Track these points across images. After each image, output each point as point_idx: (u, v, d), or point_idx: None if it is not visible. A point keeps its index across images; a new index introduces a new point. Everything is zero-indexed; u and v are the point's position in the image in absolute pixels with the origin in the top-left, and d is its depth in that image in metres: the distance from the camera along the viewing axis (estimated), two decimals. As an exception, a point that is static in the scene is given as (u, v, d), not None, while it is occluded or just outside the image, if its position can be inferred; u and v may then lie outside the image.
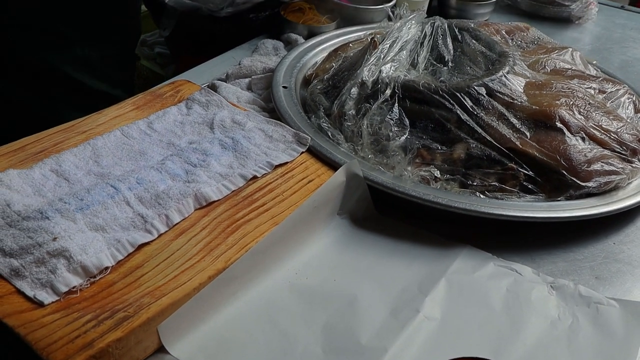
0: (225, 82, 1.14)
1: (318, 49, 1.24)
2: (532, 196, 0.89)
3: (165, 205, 0.77)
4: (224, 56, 1.27)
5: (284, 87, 1.08)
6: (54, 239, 0.70)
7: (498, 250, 0.84)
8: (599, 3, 1.63)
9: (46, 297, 0.65)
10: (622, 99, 1.05)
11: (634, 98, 1.07)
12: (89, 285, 0.68)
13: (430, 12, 1.49)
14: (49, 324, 0.63)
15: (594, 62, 1.27)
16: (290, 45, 1.29)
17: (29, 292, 0.66)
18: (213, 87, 1.08)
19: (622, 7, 1.73)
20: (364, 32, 1.30)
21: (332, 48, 1.24)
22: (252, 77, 1.15)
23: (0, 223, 0.73)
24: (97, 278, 0.68)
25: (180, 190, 0.79)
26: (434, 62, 1.07)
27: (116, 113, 0.97)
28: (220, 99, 1.01)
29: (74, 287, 0.67)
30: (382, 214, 0.89)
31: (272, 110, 1.05)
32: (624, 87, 1.09)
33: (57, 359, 0.59)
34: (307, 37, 1.29)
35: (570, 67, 1.10)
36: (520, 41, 1.22)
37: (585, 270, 0.84)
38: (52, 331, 0.62)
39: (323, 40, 1.26)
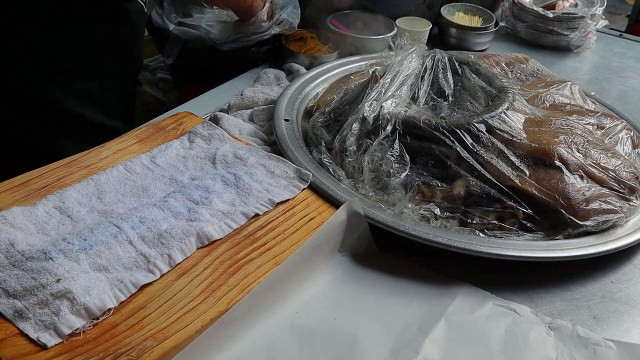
0: (227, 113, 1.16)
1: (320, 80, 1.25)
2: (531, 234, 0.90)
3: (168, 244, 0.78)
4: (226, 85, 1.28)
5: (285, 120, 1.09)
6: (58, 280, 0.70)
7: (497, 288, 0.85)
8: (597, 32, 1.65)
9: (49, 339, 0.66)
10: (620, 135, 1.06)
11: (632, 133, 1.08)
12: (92, 327, 0.68)
13: (431, 41, 1.50)
14: (52, 368, 0.63)
15: (593, 93, 1.29)
16: (292, 74, 1.31)
17: (33, 335, 0.66)
18: (215, 119, 1.09)
19: (620, 36, 1.75)
20: (366, 62, 1.31)
21: (334, 79, 1.25)
22: (254, 108, 1.16)
23: (4, 263, 0.73)
24: (100, 319, 0.69)
25: (183, 229, 0.80)
26: (435, 97, 1.08)
27: (119, 147, 0.98)
28: (222, 132, 1.02)
29: (77, 330, 0.67)
30: (382, 251, 0.89)
31: (273, 143, 1.06)
32: (622, 122, 1.10)
33: (60, 405, 0.60)
34: (309, 66, 1.31)
35: (569, 102, 1.11)
36: (520, 73, 1.23)
37: (583, 309, 0.84)
38: (55, 376, 0.62)
39: (325, 70, 1.28)
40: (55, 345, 0.66)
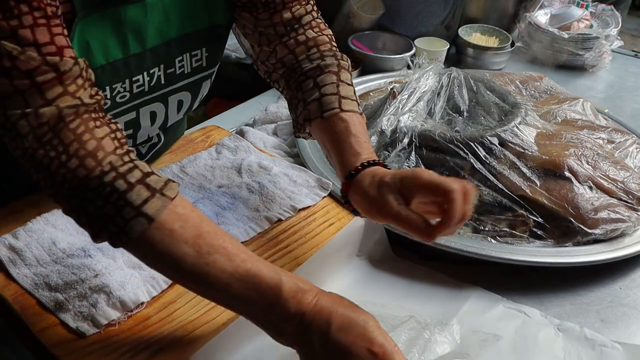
0: (252, 127, 1.22)
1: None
2: (541, 242, 0.93)
3: (197, 245, 0.83)
4: (251, 102, 1.35)
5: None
6: (96, 276, 0.76)
7: (508, 292, 0.89)
8: (612, 52, 1.69)
9: (88, 329, 0.71)
10: (630, 149, 1.10)
11: (642, 147, 1.12)
12: (126, 319, 0.74)
13: (449, 61, 1.55)
14: (90, 354, 0.69)
15: (606, 110, 1.32)
16: (314, 91, 1.36)
17: (72, 324, 0.72)
18: (241, 133, 1.16)
19: (636, 55, 1.78)
20: (385, 79, 1.36)
21: (354, 96, 1.30)
22: (278, 123, 1.22)
23: (47, 260, 0.79)
24: (134, 312, 0.75)
25: (211, 231, 0.85)
26: (450, 112, 1.13)
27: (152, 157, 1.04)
28: (248, 144, 1.08)
29: (112, 321, 0.73)
30: (398, 256, 0.94)
31: (296, 155, 1.11)
32: (632, 137, 1.13)
33: (96, 388, 0.65)
34: (330, 84, 1.36)
35: (580, 117, 1.15)
36: (534, 91, 1.28)
37: (592, 313, 0.88)
38: (93, 361, 0.68)
39: (345, 87, 1.33)
40: (93, 334, 0.71)
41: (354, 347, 0.63)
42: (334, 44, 0.91)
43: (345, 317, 0.64)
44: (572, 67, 1.64)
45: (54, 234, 0.83)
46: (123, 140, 0.68)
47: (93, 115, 0.67)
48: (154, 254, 0.65)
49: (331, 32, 0.92)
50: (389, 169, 0.79)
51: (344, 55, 0.90)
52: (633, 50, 1.83)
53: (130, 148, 0.68)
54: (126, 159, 0.66)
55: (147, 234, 0.64)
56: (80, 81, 0.66)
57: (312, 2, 0.90)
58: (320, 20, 0.91)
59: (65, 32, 0.66)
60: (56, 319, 0.73)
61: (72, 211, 0.66)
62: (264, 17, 0.87)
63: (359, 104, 0.87)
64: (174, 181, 0.67)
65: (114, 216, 0.63)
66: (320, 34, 0.90)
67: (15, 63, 0.61)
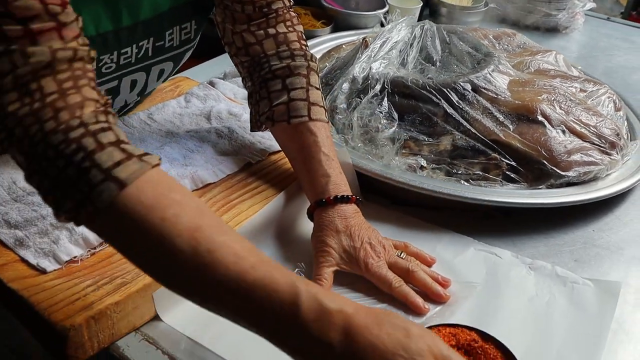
0: (223, 80, 1.19)
1: (312, 51, 1.28)
2: (515, 185, 0.93)
3: (163, 185, 0.81)
4: (222, 57, 1.32)
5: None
6: (57, 213, 0.73)
7: (480, 235, 0.88)
8: (585, 15, 1.69)
9: (48, 265, 0.69)
10: (603, 98, 1.10)
11: (614, 97, 1.12)
12: (89, 256, 0.72)
13: (421, 19, 1.53)
14: (50, 288, 0.67)
15: (579, 67, 1.32)
16: (286, 48, 1.34)
17: (33, 261, 0.70)
18: (211, 84, 1.13)
19: (608, 19, 1.79)
20: (357, 36, 1.34)
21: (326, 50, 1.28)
22: (249, 75, 1.19)
23: (6, 198, 0.77)
24: (97, 249, 0.72)
25: (178, 172, 0.83)
26: (423, 62, 1.11)
27: (117, 105, 1.01)
28: (218, 93, 1.06)
29: (75, 257, 0.70)
30: (368, 201, 0.92)
31: (267, 106, 1.09)
32: (604, 87, 1.13)
33: (57, 319, 0.63)
34: (303, 40, 1.34)
35: (553, 67, 1.14)
36: (507, 45, 1.27)
37: (565, 254, 0.87)
38: (53, 294, 0.66)
39: (317, 43, 1.31)
40: (54, 270, 0.69)
41: None
42: (304, 42, 0.88)
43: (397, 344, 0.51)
44: (545, 29, 1.64)
45: (14, 175, 0.80)
46: (109, 108, 0.59)
47: (89, 74, 0.59)
48: (127, 234, 0.54)
49: (302, 29, 0.89)
50: (362, 201, 0.81)
51: (314, 56, 0.89)
52: (605, 14, 1.83)
53: (112, 111, 0.60)
54: (101, 118, 0.56)
55: (118, 205, 0.52)
56: (81, 40, 0.58)
57: None
58: (293, 14, 0.88)
59: None
60: (16, 255, 0.70)
61: (32, 175, 0.57)
62: None
63: (326, 111, 0.86)
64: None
65: (78, 180, 0.53)
66: (291, 29, 0.86)
67: (8, 8, 0.53)
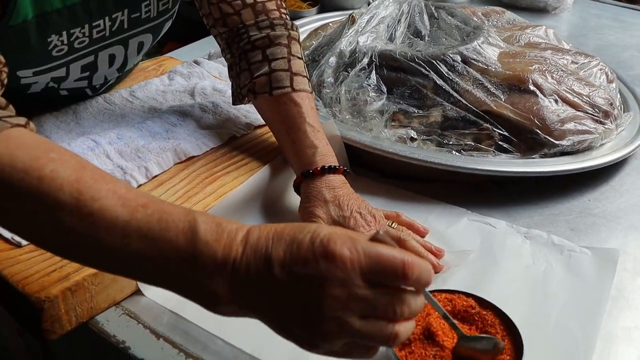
0: (208, 60, 1.16)
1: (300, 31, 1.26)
2: (508, 155, 0.90)
3: (145, 158, 0.78)
4: (207, 39, 1.29)
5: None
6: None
7: (474, 206, 0.86)
8: (574, -5, 1.67)
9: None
10: (595, 70, 1.07)
11: (606, 69, 1.10)
12: (67, 229, 0.68)
13: (410, 2, 1.51)
14: (25, 260, 0.64)
15: (570, 45, 1.30)
16: (272, 29, 1.31)
17: (7, 235, 0.66)
18: (196, 63, 1.10)
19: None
20: (344, 17, 1.32)
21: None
22: (234, 55, 1.16)
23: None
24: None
25: (160, 145, 0.80)
26: (411, 37, 1.09)
27: (98, 83, 0.98)
28: (202, 70, 1.03)
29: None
30: (357, 174, 0.90)
31: (252, 84, 1.06)
32: (596, 59, 1.11)
33: (32, 290, 0.60)
34: (289, 22, 1.31)
35: (544, 41, 1.12)
36: (496, 22, 1.25)
37: (561, 223, 0.85)
38: (28, 266, 0.63)
39: (304, 23, 1.29)
40: (29, 244, 0.66)
41: (314, 267, 0.45)
42: (284, 10, 0.85)
43: (291, 238, 0.46)
44: (535, 9, 1.62)
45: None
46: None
47: None
48: (7, 205, 0.48)
49: None
50: (349, 172, 0.79)
51: (294, 24, 0.86)
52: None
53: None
54: None
55: None
56: None
57: None
58: None
59: None
60: (-10, 230, 0.67)
61: None
62: None
63: (309, 80, 0.83)
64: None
65: None
66: None
67: None
